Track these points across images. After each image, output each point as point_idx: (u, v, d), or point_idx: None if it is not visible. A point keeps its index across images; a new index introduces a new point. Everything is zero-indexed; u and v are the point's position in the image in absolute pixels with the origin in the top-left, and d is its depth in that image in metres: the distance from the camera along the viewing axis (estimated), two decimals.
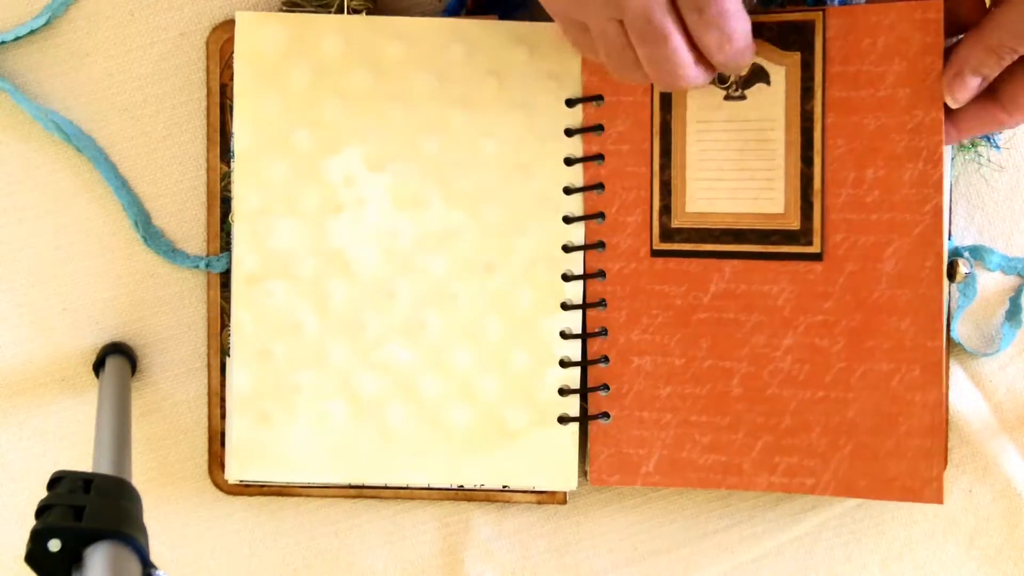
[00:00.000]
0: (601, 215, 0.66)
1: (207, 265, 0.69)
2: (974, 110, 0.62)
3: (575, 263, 0.67)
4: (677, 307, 0.66)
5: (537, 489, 0.68)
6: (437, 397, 0.67)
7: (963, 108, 0.62)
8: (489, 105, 0.65)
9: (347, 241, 0.66)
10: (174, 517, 0.70)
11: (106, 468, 0.54)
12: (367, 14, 0.66)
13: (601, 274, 0.67)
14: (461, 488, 0.68)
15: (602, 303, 0.67)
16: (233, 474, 0.67)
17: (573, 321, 0.67)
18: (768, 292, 0.65)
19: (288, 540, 0.71)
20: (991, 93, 0.61)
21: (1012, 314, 0.69)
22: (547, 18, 0.61)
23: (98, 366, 0.68)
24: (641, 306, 0.66)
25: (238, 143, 0.66)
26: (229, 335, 0.68)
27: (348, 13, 0.66)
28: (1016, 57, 0.59)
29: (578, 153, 0.66)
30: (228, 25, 0.67)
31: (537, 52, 0.65)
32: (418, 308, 0.66)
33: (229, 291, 0.68)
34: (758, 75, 0.63)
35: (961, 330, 0.69)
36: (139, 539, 0.46)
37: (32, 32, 0.67)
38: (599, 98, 0.65)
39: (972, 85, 0.60)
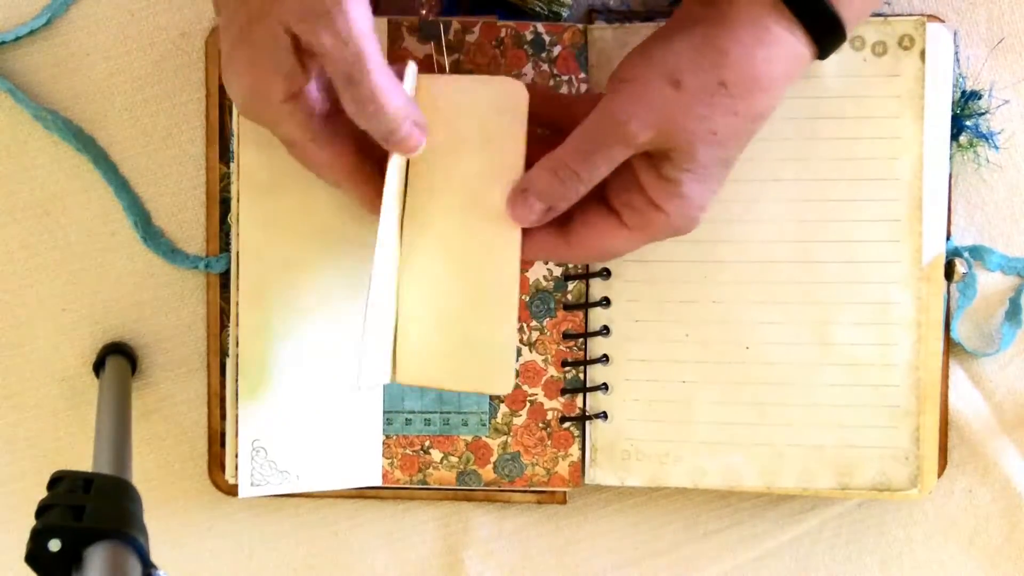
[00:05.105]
0: None
1: (206, 266, 0.69)
2: (540, 234, 0.60)
3: None
4: None
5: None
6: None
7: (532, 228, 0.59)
8: None
9: None
10: (174, 517, 0.70)
11: (106, 468, 0.54)
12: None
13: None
14: None
15: (605, 302, 0.67)
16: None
17: None
18: None
19: (288, 540, 0.71)
20: (564, 222, 0.59)
21: (1012, 314, 0.69)
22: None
23: (98, 366, 0.68)
24: None
25: (240, 146, 0.66)
26: (228, 335, 0.68)
27: None
28: (580, 185, 0.56)
29: None
30: None
31: None
32: None
33: (228, 291, 0.68)
34: None
35: (961, 330, 0.69)
36: (139, 539, 0.46)
37: (32, 32, 0.67)
38: None
39: (534, 208, 0.58)
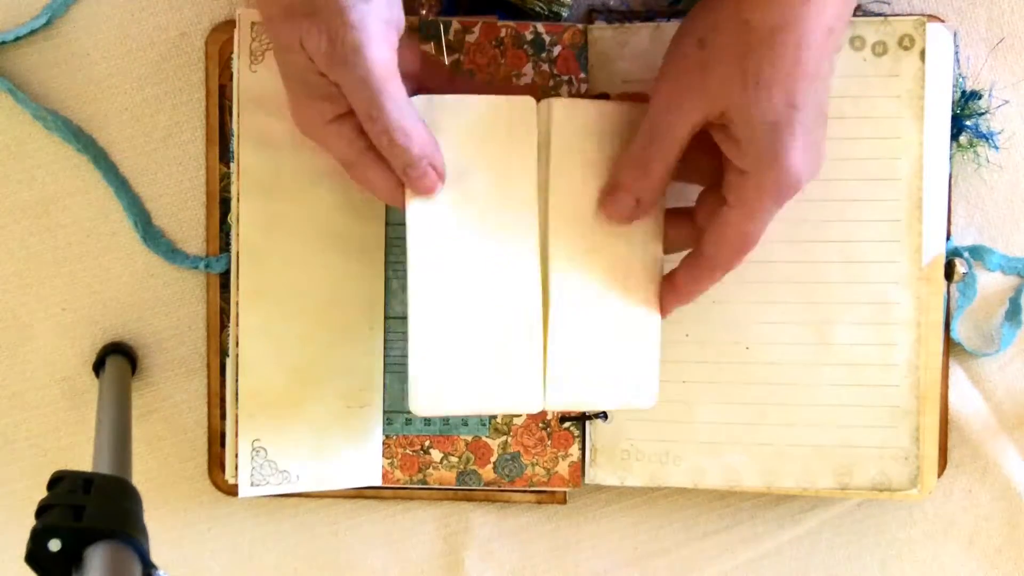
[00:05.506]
0: None
1: (206, 266, 0.69)
2: (686, 268, 0.60)
3: None
4: None
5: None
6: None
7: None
8: None
9: None
10: (174, 517, 0.70)
11: (106, 468, 0.54)
12: None
13: None
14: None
15: None
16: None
17: None
18: None
19: (288, 540, 0.71)
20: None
21: (1012, 314, 0.69)
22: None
23: (98, 366, 0.68)
24: None
25: (240, 146, 0.66)
26: (228, 335, 0.68)
27: None
28: (654, 167, 0.56)
29: None
30: (227, 26, 0.67)
31: None
32: None
33: (228, 291, 0.68)
34: None
35: (961, 330, 0.69)
36: (139, 539, 0.46)
37: (32, 32, 0.67)
38: None
39: (624, 203, 0.58)
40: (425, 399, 0.59)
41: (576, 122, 0.60)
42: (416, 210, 0.58)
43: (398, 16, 0.54)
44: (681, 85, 0.55)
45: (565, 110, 0.60)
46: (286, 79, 0.56)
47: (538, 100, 0.60)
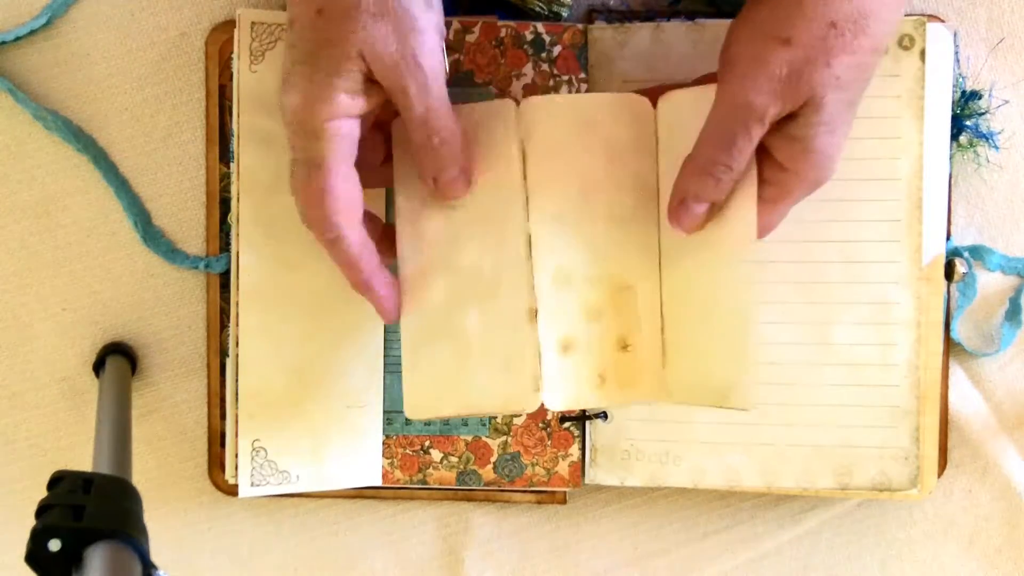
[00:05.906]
0: None
1: (206, 266, 0.69)
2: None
3: None
4: None
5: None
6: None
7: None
8: None
9: None
10: (174, 517, 0.70)
11: (106, 468, 0.54)
12: None
13: None
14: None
15: None
16: None
17: None
18: None
19: (288, 540, 0.71)
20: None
21: (1012, 314, 0.69)
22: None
23: (98, 366, 0.68)
24: None
25: (240, 146, 0.66)
26: (228, 335, 0.68)
27: None
28: (732, 174, 0.56)
29: None
30: (227, 26, 0.67)
31: None
32: None
33: (228, 291, 0.68)
34: None
35: (961, 330, 0.69)
36: (139, 539, 0.46)
37: (32, 32, 0.67)
38: None
39: (697, 212, 0.58)
40: (417, 402, 0.59)
41: (551, 117, 0.60)
42: (405, 217, 0.59)
43: (442, 24, 0.56)
44: (764, 80, 0.53)
45: (537, 106, 0.60)
46: (306, 67, 0.55)
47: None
